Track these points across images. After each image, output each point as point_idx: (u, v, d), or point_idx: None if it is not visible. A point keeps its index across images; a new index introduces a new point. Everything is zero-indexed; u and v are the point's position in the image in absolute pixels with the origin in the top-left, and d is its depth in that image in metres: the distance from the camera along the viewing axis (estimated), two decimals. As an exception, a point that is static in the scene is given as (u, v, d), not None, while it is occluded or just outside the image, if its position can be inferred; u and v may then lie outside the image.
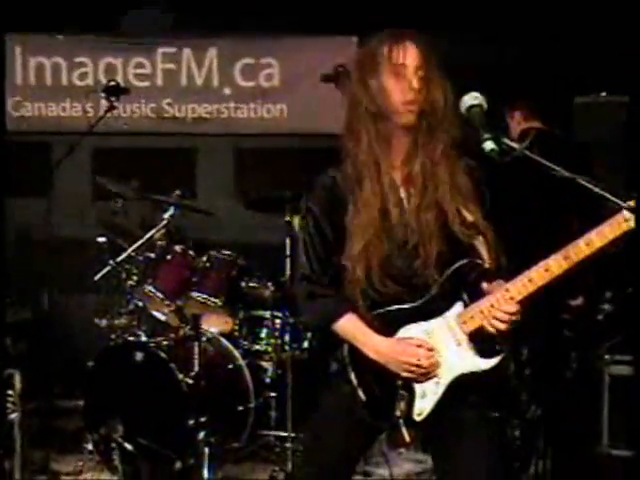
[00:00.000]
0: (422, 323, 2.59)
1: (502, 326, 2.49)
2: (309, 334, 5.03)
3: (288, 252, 4.74)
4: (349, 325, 2.63)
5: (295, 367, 4.71)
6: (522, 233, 4.04)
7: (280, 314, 5.01)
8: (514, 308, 2.48)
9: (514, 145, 2.38)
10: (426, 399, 2.58)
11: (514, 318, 2.49)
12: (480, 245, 2.61)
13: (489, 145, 2.34)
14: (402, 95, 2.56)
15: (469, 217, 2.59)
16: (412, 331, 2.60)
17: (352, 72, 2.70)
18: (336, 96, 5.82)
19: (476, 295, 2.55)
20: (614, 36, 5.88)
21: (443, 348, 2.58)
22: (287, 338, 4.94)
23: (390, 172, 2.63)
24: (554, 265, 2.44)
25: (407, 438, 2.58)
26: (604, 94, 5.64)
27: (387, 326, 2.61)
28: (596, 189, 2.33)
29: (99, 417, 4.50)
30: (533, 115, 4.59)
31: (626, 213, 2.31)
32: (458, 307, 2.58)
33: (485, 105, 2.46)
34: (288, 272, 4.74)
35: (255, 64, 6.90)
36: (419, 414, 2.57)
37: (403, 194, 2.63)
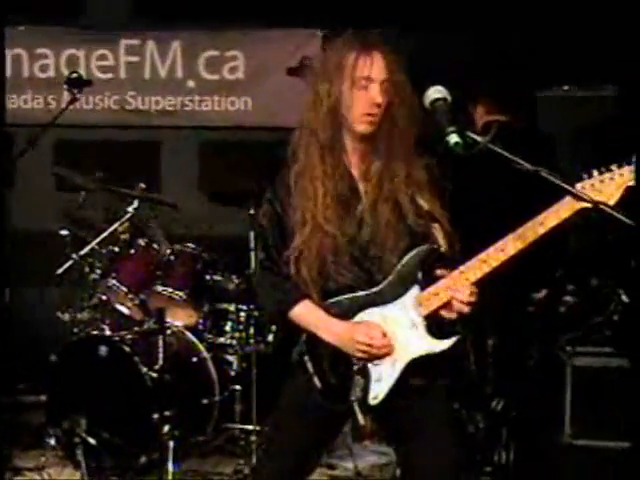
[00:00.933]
0: (378, 308, 2.63)
1: (461, 307, 2.53)
2: (274, 327, 5.04)
3: (252, 245, 4.74)
4: (304, 311, 2.67)
5: (260, 360, 4.72)
6: (487, 226, 4.06)
7: (245, 307, 5.00)
8: (469, 289, 2.52)
9: (478, 138, 2.39)
10: (381, 382, 2.61)
11: (472, 299, 2.53)
12: (436, 232, 2.64)
13: (453, 138, 2.35)
14: (363, 108, 2.59)
15: (424, 206, 2.63)
16: (368, 316, 2.64)
17: (316, 71, 2.70)
18: (301, 89, 5.83)
19: (432, 279, 2.60)
20: (577, 30, 5.95)
21: (399, 331, 2.61)
22: (252, 331, 4.94)
23: (347, 168, 2.66)
24: (509, 245, 2.48)
25: (362, 422, 2.60)
26: (566, 88, 5.69)
27: (343, 314, 2.65)
28: (558, 181, 2.35)
29: (62, 412, 4.47)
30: (496, 108, 4.61)
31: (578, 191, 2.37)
32: (414, 290, 2.61)
33: (449, 98, 2.47)
34: (253, 265, 4.74)
35: (220, 57, 6.86)
36: (374, 397, 2.60)
37: (361, 188, 2.67)
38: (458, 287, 2.53)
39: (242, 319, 5.02)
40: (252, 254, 4.74)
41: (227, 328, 5.13)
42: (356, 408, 2.60)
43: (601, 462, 4.21)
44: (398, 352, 2.60)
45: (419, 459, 2.65)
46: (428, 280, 2.60)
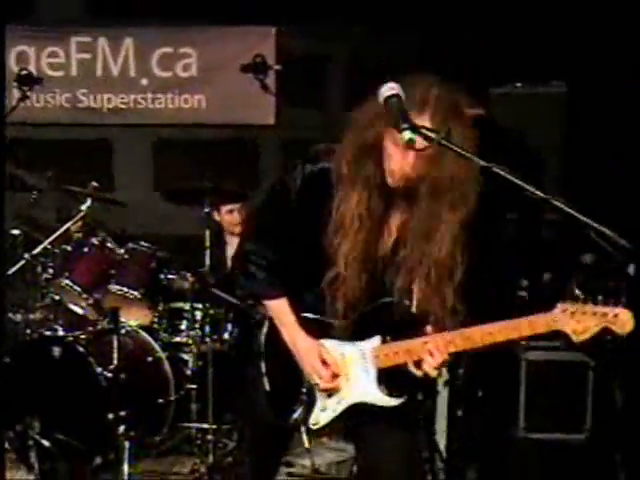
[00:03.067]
0: (340, 343, 2.62)
1: (430, 371, 2.50)
2: (229, 325, 5.03)
3: (207, 244, 4.72)
4: (281, 307, 2.66)
5: (216, 359, 4.70)
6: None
7: (200, 306, 4.97)
8: (442, 357, 2.49)
9: (431, 134, 2.40)
10: (324, 413, 2.63)
11: (441, 364, 2.51)
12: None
13: (407, 134, 2.35)
14: (397, 164, 2.47)
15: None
16: (330, 346, 2.63)
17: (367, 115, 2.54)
18: (255, 86, 5.84)
19: (394, 335, 2.57)
20: (527, 27, 6.02)
21: (352, 373, 2.61)
22: (207, 330, 4.91)
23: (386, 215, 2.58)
24: (475, 335, 2.47)
25: (306, 444, 2.66)
26: (519, 84, 5.75)
27: (309, 332, 2.64)
28: (512, 178, 2.37)
29: (15, 414, 4.42)
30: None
31: (557, 313, 2.44)
32: (375, 341, 2.60)
33: (403, 95, 2.47)
34: (207, 264, 4.72)
35: (173, 54, 6.84)
36: (314, 423, 2.63)
37: (392, 239, 2.60)
38: (425, 352, 2.49)
39: (197, 317, 4.99)
40: (207, 252, 4.72)
41: (182, 327, 5.09)
42: (300, 426, 2.63)
43: (555, 455, 4.26)
44: (346, 392, 2.62)
45: (376, 455, 2.67)
46: (391, 334, 2.58)
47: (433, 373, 2.51)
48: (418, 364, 2.52)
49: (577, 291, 4.75)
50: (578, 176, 5.76)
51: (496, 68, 5.87)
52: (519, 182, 2.37)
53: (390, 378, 2.59)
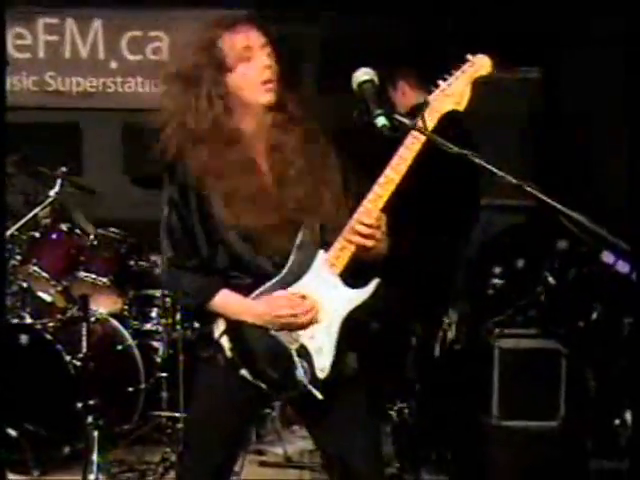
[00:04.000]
0: (294, 286, 2.63)
1: (369, 242, 2.56)
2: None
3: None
4: (224, 300, 2.65)
5: (186, 346, 4.68)
6: (421, 208, 4.11)
7: (170, 293, 4.95)
8: (369, 219, 2.54)
9: (405, 120, 2.40)
10: (323, 354, 2.62)
11: (375, 230, 2.55)
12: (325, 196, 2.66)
13: (381, 121, 2.35)
14: (256, 78, 2.58)
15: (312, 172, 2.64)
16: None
17: (181, 72, 2.68)
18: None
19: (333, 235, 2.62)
20: (503, 12, 6.02)
21: (321, 298, 2.62)
22: (178, 317, 4.90)
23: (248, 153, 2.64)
24: (388, 182, 2.54)
25: (320, 397, 2.61)
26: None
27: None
28: (486, 164, 2.37)
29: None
30: (420, 85, 4.58)
31: (431, 100, 2.56)
32: (321, 255, 2.63)
33: (377, 80, 2.47)
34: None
35: (143, 37, 6.76)
36: (322, 370, 2.61)
37: (264, 165, 2.66)
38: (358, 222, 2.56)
39: (168, 305, 4.98)
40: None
41: (153, 314, 5.09)
42: (310, 387, 2.61)
43: (529, 442, 4.29)
44: (328, 317, 2.62)
45: (337, 448, 2.71)
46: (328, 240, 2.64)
47: (378, 235, 2.56)
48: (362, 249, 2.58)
49: (550, 278, 4.79)
50: (551, 162, 5.79)
51: (469, 52, 5.87)
52: (492, 168, 2.37)
53: (353, 275, 2.64)
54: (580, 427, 4.38)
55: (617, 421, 4.35)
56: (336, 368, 2.62)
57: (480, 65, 2.59)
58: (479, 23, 6.04)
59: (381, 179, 2.55)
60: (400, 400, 4.59)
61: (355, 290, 2.63)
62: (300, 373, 2.61)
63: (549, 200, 2.26)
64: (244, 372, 2.64)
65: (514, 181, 2.33)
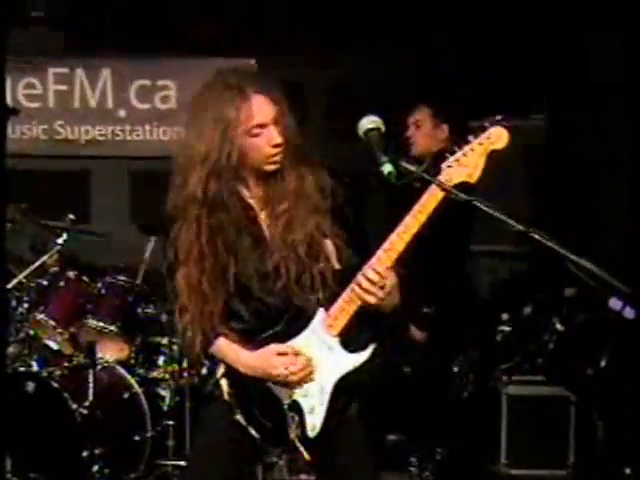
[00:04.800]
0: (290, 342, 2.63)
1: (370, 298, 2.52)
2: (207, 361, 4.99)
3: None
4: (222, 346, 2.68)
5: (193, 394, 4.66)
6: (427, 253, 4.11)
7: (178, 340, 4.94)
8: (375, 275, 2.52)
9: (412, 168, 2.41)
10: (315, 413, 2.61)
11: (380, 289, 2.52)
12: (328, 250, 2.65)
13: (387, 168, 2.37)
14: (264, 151, 2.59)
15: (314, 225, 2.63)
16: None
17: (196, 125, 2.65)
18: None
19: (333, 297, 2.61)
20: (510, 60, 6.08)
21: (317, 357, 2.62)
22: (185, 364, 4.88)
23: (245, 199, 2.67)
24: (396, 242, 2.51)
25: (307, 457, 2.61)
26: (499, 117, 5.79)
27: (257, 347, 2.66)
28: (492, 211, 2.38)
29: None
30: (436, 119, 4.60)
31: (445, 170, 2.52)
32: (320, 314, 2.62)
33: (383, 128, 2.49)
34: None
35: (151, 86, 6.84)
36: (312, 429, 2.61)
37: (260, 217, 2.67)
38: (364, 291, 2.53)
39: (175, 352, 4.96)
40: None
41: (160, 362, 5.07)
42: (298, 445, 2.61)
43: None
44: (322, 378, 2.61)
45: None
46: (329, 298, 2.62)
47: (380, 294, 2.52)
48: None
49: (558, 324, 4.77)
50: (555, 210, 5.80)
51: (475, 100, 5.92)
52: (499, 215, 2.39)
53: (351, 338, 2.61)
54: (590, 476, 4.33)
55: (627, 470, 4.30)
56: (333, 420, 2.61)
57: (497, 137, 2.57)
58: (481, 70, 6.11)
59: (385, 244, 2.52)
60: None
61: (352, 354, 2.60)
62: (291, 430, 2.61)
63: (555, 247, 2.27)
64: (239, 417, 2.65)
65: (520, 227, 2.35)
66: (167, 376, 4.98)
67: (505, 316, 4.99)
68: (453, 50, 6.21)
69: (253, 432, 2.65)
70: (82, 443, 4.33)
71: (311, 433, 2.60)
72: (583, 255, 2.21)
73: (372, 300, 2.53)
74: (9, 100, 5.97)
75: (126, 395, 4.79)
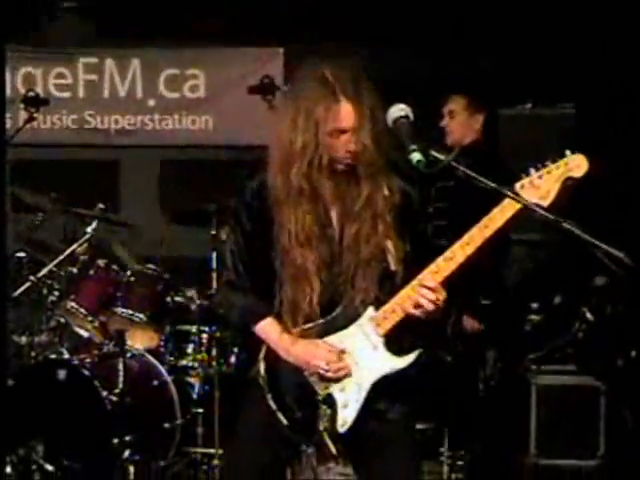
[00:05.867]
0: (335, 335, 2.63)
1: (428, 304, 2.51)
2: (236, 349, 5.01)
3: (214, 266, 4.71)
4: (268, 328, 2.68)
5: (222, 382, 4.68)
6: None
7: (207, 329, 4.96)
8: (434, 283, 2.51)
9: (441, 156, 2.40)
10: (348, 408, 2.60)
11: (436, 297, 2.51)
12: (387, 250, 2.64)
13: (416, 157, 2.35)
14: (339, 153, 2.59)
15: (379, 226, 2.62)
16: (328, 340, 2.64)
17: (285, 114, 2.66)
18: (262, 108, 5.84)
19: (385, 298, 2.60)
20: (539, 48, 6.03)
21: (359, 354, 2.61)
22: (214, 353, 4.90)
23: (322, 195, 2.66)
24: (457, 253, 2.50)
25: (334, 451, 2.61)
26: (529, 106, 5.75)
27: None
28: (523, 201, 2.37)
29: (18, 438, 4.40)
30: (474, 109, 4.58)
31: (518, 189, 2.47)
32: (370, 311, 2.61)
33: (411, 116, 2.48)
34: (215, 286, 4.71)
35: (180, 75, 6.86)
36: (342, 425, 2.60)
37: (333, 214, 2.67)
38: (422, 286, 2.52)
39: (204, 340, 4.97)
40: (213, 274, 4.71)
41: (189, 350, 5.08)
42: (326, 438, 2.60)
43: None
44: (361, 375, 2.60)
45: None
46: (381, 297, 2.61)
47: (430, 307, 2.51)
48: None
49: (588, 314, 4.74)
50: (585, 198, 5.74)
51: (505, 88, 5.88)
52: (530, 204, 2.37)
53: (397, 340, 2.61)
54: (620, 466, 4.30)
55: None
56: (370, 420, 2.60)
57: (575, 165, 2.50)
58: (510, 58, 6.06)
59: (463, 239, 2.50)
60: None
61: (395, 357, 2.60)
62: (321, 422, 2.61)
63: (586, 235, 2.25)
64: (270, 401, 2.65)
65: (550, 216, 2.33)
66: (196, 364, 4.99)
67: (535, 305, 4.97)
68: (485, 40, 6.16)
69: (282, 418, 2.64)
70: (112, 430, 4.36)
71: (341, 428, 2.60)
72: (614, 244, 2.19)
73: (430, 307, 2.52)
74: (40, 90, 6.01)
75: (155, 383, 4.81)
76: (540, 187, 2.48)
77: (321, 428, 2.60)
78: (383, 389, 2.61)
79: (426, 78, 6.12)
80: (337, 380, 2.61)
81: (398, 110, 2.50)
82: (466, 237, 2.50)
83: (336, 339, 2.63)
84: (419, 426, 4.32)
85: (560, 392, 4.35)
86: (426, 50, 6.29)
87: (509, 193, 2.42)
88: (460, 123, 4.57)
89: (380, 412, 2.64)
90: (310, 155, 2.59)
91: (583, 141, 5.76)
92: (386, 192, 2.65)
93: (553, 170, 2.49)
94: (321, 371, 2.60)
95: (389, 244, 2.63)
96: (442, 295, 2.53)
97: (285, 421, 2.64)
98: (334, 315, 2.63)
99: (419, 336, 2.65)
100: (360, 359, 2.61)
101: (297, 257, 2.61)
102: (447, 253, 2.51)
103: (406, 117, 2.48)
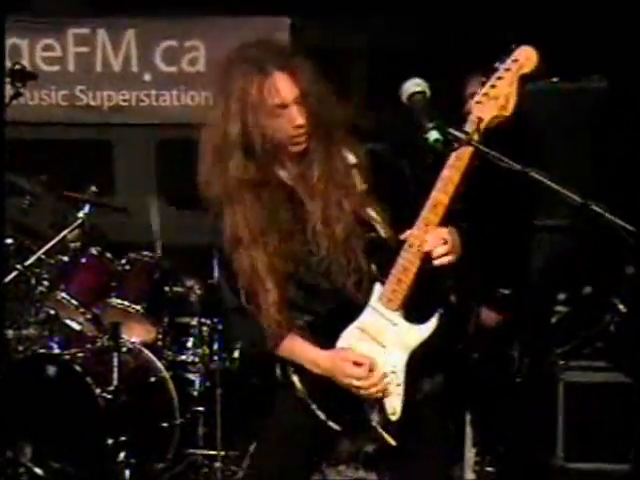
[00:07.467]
0: (354, 324, 2.67)
1: (441, 255, 2.54)
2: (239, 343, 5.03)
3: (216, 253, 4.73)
4: (288, 345, 2.73)
5: (225, 379, 4.70)
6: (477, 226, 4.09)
7: (208, 321, 4.98)
8: (436, 240, 2.53)
9: (460, 135, 2.40)
10: (393, 396, 2.64)
11: (442, 249, 2.54)
12: (375, 220, 2.68)
13: (433, 135, 2.36)
14: (289, 131, 2.61)
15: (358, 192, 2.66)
16: (349, 336, 2.68)
17: (216, 108, 2.71)
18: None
19: (386, 267, 2.62)
20: (565, 19, 6.01)
21: (383, 337, 2.65)
22: (216, 347, 4.92)
23: (281, 179, 2.71)
24: (439, 199, 2.51)
25: (392, 442, 2.66)
26: (555, 79, 5.74)
27: (323, 336, 2.70)
28: (547, 181, 2.37)
29: (5, 439, 4.43)
30: None
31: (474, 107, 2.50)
32: (377, 289, 2.64)
33: (428, 92, 2.48)
34: (217, 275, 4.72)
35: (178, 47, 6.86)
36: (393, 413, 2.65)
37: (300, 195, 2.71)
38: (416, 256, 2.55)
39: (205, 334, 5.00)
40: (215, 262, 4.73)
41: (189, 344, 5.10)
42: (381, 432, 2.66)
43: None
44: (393, 357, 2.64)
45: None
46: (384, 270, 2.64)
47: (440, 255, 2.53)
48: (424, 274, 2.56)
49: (620, 305, 4.74)
50: (615, 176, 5.74)
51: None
52: (556, 186, 2.37)
53: (414, 307, 2.63)
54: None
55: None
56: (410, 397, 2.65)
57: (525, 59, 2.53)
58: (542, 30, 6.04)
59: (429, 202, 2.52)
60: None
61: (417, 326, 2.63)
62: (372, 417, 2.67)
63: (617, 220, 2.26)
64: (318, 412, 2.71)
65: (577, 199, 2.33)
66: (197, 359, 5.02)
67: (562, 296, 4.97)
68: (503, 11, 6.15)
69: (334, 425, 2.70)
70: (106, 431, 4.39)
71: (393, 417, 2.65)
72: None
73: (446, 259, 2.54)
74: (27, 64, 6.03)
75: (153, 379, 4.84)
76: (498, 97, 2.49)
77: (374, 423, 2.66)
78: (418, 365, 2.65)
79: (442, 54, 6.11)
80: (370, 397, 2.65)
81: (413, 85, 2.50)
82: (440, 180, 2.51)
83: (355, 329, 2.66)
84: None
85: (590, 390, 4.36)
86: (441, 23, 6.28)
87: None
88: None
89: (419, 390, 2.70)
90: (247, 144, 2.60)
91: (614, 116, 5.76)
92: (351, 159, 2.68)
93: (504, 74, 2.51)
94: (351, 389, 2.64)
95: (371, 212, 2.66)
96: (448, 239, 2.55)
97: (337, 427, 2.70)
98: (332, 306, 2.68)
99: (435, 297, 2.68)
100: (386, 341, 2.65)
101: (244, 259, 2.68)
102: (429, 202, 2.52)
103: (422, 93, 2.48)
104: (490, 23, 6.17)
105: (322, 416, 2.70)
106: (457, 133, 2.42)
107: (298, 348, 2.71)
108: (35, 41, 6.79)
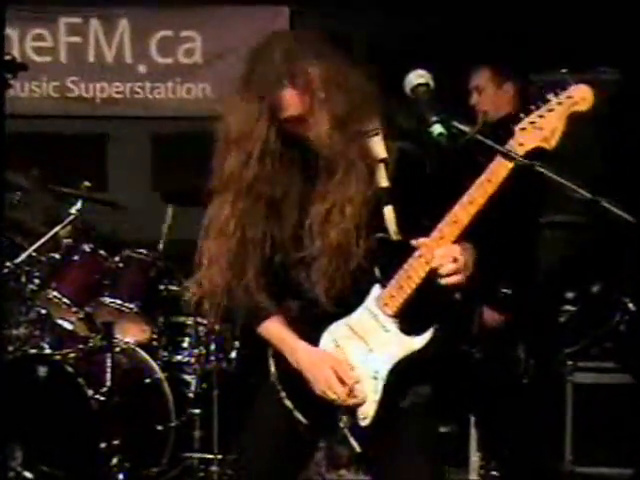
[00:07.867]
0: (343, 320, 2.65)
1: (449, 273, 2.49)
2: (237, 343, 5.02)
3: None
4: (273, 329, 2.72)
5: (222, 380, 4.69)
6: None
7: (204, 321, 4.97)
8: (449, 256, 2.49)
9: (465, 128, 2.38)
10: (368, 401, 2.61)
11: (454, 266, 2.49)
12: (386, 219, 2.64)
13: (437, 129, 2.34)
14: (302, 137, 2.62)
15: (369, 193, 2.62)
16: (336, 331, 2.66)
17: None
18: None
19: (391, 271, 2.59)
20: (574, 9, 6.00)
21: (372, 340, 2.62)
22: (212, 348, 4.92)
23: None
24: (461, 214, 2.46)
25: (358, 448, 2.63)
26: (564, 71, 5.73)
27: (309, 328, 2.69)
28: (553, 175, 2.35)
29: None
30: (502, 79, 4.57)
31: (517, 132, 2.46)
32: (375, 290, 2.62)
33: (432, 83, 2.46)
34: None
35: (174, 37, 6.85)
36: (364, 418, 2.61)
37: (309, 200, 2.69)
38: (424, 266, 2.51)
39: (201, 334, 4.99)
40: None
41: (184, 344, 5.10)
42: (348, 435, 2.63)
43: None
44: (376, 363, 2.61)
45: None
46: (386, 273, 2.60)
47: (447, 274, 2.49)
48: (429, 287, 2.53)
49: (630, 304, 4.73)
50: (625, 170, 5.73)
51: (537, 52, 5.86)
52: (564, 181, 2.35)
53: (410, 316, 2.60)
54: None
55: None
56: (387, 411, 2.61)
57: (580, 98, 2.46)
58: (554, 22, 6.04)
59: (449, 216, 2.47)
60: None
61: (409, 337, 2.59)
62: (341, 419, 2.63)
63: (627, 216, 2.24)
64: (286, 401, 2.69)
65: (586, 195, 2.31)
66: (193, 360, 5.01)
67: (570, 294, 4.96)
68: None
69: (300, 417, 2.68)
70: (99, 434, 4.38)
71: (363, 422, 2.61)
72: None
73: (453, 279, 2.49)
74: (17, 54, 6.01)
75: (147, 381, 4.84)
76: (543, 127, 2.45)
77: (342, 425, 2.63)
78: (401, 375, 2.62)
79: (444, 45, 6.10)
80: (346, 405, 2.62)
81: (417, 77, 2.48)
82: (467, 197, 2.46)
83: (343, 325, 2.65)
84: (443, 429, 4.34)
85: (599, 391, 4.35)
86: (442, 13, 6.28)
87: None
88: (489, 97, 4.55)
89: (399, 400, 2.65)
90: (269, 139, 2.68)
91: (627, 109, 5.75)
92: (380, 152, 2.63)
93: (555, 106, 2.45)
94: (321, 393, 2.62)
95: (387, 211, 2.62)
96: (459, 259, 2.49)
97: (304, 420, 2.68)
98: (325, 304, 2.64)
99: (433, 310, 2.63)
100: (373, 344, 2.62)
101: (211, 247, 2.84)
102: (449, 217, 2.47)
103: (426, 85, 2.46)
104: (498, 14, 6.17)
105: (290, 405, 2.68)
106: (462, 127, 2.39)
107: (282, 334, 2.70)
108: (25, 31, 6.77)
